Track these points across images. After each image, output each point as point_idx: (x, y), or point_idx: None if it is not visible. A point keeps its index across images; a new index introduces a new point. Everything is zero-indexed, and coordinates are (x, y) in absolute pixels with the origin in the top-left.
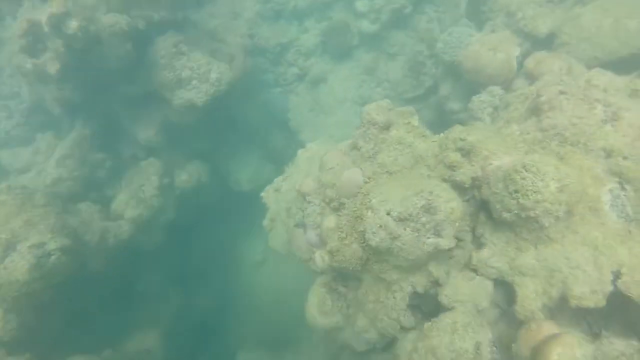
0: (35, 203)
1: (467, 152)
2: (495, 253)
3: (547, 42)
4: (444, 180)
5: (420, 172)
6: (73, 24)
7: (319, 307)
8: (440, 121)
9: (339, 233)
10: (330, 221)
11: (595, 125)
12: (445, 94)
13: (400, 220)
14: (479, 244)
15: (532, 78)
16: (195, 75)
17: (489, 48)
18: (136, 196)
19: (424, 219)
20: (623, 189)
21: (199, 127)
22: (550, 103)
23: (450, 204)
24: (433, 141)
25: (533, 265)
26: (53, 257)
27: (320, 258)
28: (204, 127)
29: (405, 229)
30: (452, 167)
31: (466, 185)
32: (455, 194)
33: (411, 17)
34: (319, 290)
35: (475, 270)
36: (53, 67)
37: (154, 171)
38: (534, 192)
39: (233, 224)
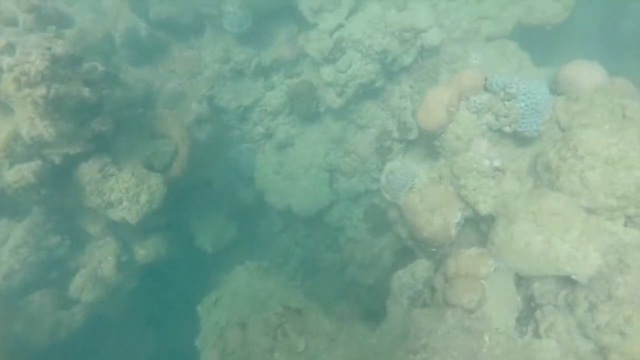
0: None
1: None
2: None
3: (489, 220)
4: None
5: None
6: None
7: None
8: None
9: None
10: None
11: None
12: (394, 219)
13: None
14: None
15: (449, 284)
16: (125, 198)
17: (428, 209)
18: (94, 276)
19: None
20: None
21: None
22: None
23: None
24: None
25: None
26: None
27: None
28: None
29: None
30: None
31: None
32: None
33: (383, 89)
34: None
35: None
36: None
37: (110, 251)
38: None
39: (196, 284)
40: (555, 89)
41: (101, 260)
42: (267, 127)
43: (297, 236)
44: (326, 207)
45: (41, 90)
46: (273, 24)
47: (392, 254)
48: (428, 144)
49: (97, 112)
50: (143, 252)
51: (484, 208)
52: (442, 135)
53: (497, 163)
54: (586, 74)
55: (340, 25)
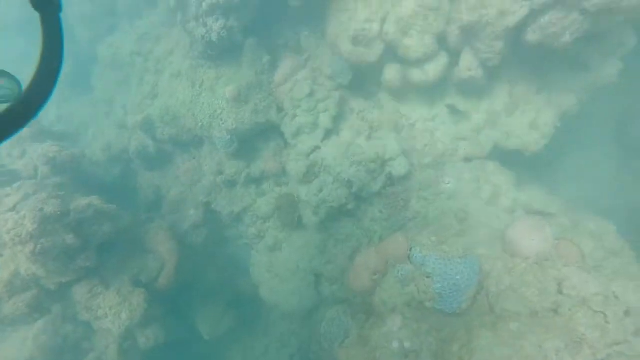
0: None
1: None
2: None
3: None
4: None
5: None
6: None
7: None
8: None
9: None
10: None
11: None
12: None
13: None
14: None
15: None
16: (109, 314)
17: None
18: None
19: None
20: None
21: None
22: None
23: None
24: None
25: None
26: None
27: None
28: (155, 306)
29: None
30: None
31: None
32: None
33: (358, 208)
34: None
35: None
36: None
37: (112, 340)
38: None
39: None
40: (503, 246)
41: (107, 345)
42: (258, 229)
43: (293, 326)
44: (313, 308)
45: (29, 247)
46: (262, 139)
47: None
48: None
49: (84, 249)
50: (144, 339)
51: None
52: (371, 296)
53: (407, 345)
54: (527, 238)
55: (317, 148)
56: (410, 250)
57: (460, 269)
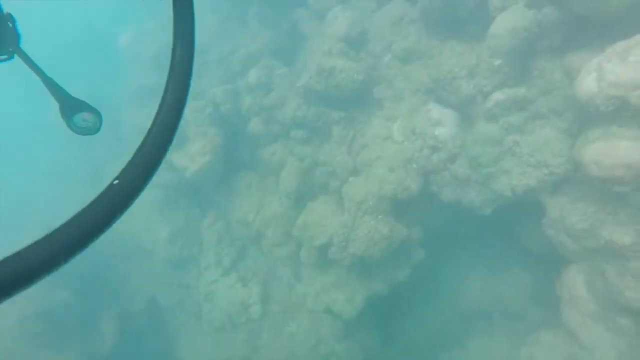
0: None
1: None
2: None
3: None
4: None
5: None
6: None
7: None
8: None
9: None
10: None
11: None
12: None
13: None
14: None
15: None
16: None
17: None
18: None
19: None
20: None
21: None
22: None
23: None
24: None
25: None
26: None
27: None
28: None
29: None
30: None
31: None
32: None
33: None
34: None
35: None
36: None
37: None
38: None
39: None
40: None
41: None
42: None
43: None
44: None
45: None
46: (195, 265)
47: None
48: None
49: None
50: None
51: None
52: None
53: None
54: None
55: (215, 281)
56: None
57: None
